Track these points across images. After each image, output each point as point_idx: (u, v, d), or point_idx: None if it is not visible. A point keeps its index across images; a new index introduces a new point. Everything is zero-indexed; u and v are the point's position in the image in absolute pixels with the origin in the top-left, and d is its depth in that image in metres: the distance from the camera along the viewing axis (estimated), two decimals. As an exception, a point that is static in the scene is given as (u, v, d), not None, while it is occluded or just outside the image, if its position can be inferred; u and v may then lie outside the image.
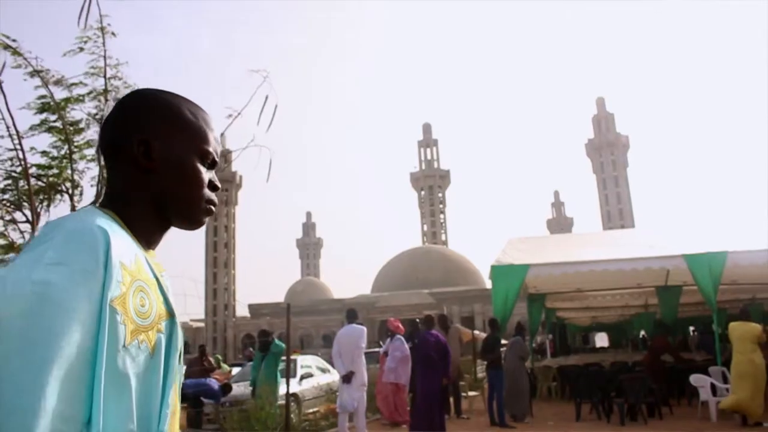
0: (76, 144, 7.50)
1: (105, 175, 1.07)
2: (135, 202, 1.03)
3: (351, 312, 10.19)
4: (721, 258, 10.73)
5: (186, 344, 14.46)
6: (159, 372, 0.97)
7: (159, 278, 1.02)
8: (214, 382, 12.61)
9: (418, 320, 13.64)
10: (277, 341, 11.51)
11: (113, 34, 7.33)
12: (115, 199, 1.03)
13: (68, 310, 0.81)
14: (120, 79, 7.51)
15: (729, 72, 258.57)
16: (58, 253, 0.84)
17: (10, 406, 0.75)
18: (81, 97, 7.40)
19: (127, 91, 7.63)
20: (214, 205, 1.11)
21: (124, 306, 0.89)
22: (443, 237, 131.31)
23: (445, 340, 10.42)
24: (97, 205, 1.03)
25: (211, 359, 14.72)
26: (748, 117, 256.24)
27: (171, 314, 1.03)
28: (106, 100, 7.46)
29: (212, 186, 1.11)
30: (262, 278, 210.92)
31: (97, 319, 0.84)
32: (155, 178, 1.04)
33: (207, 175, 1.10)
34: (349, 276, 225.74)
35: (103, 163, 0.94)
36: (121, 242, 0.93)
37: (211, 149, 1.10)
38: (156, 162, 1.04)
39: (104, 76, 7.34)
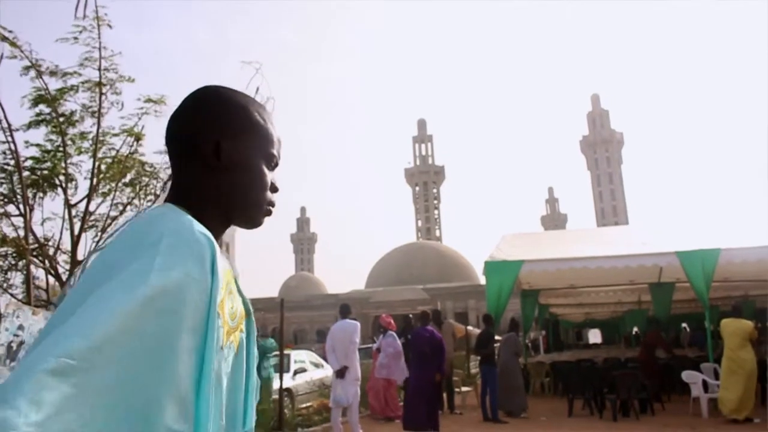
0: (69, 136, 7.47)
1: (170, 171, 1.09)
2: (204, 200, 1.04)
3: (344, 307, 10.19)
4: (713, 255, 10.77)
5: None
6: (243, 370, 1.01)
7: (236, 278, 1.04)
8: None
9: (411, 316, 13.66)
10: (271, 339, 11.50)
11: (109, 26, 7.31)
12: (185, 196, 1.04)
13: (182, 318, 0.83)
14: (115, 71, 7.49)
15: (721, 69, 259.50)
16: (167, 260, 0.84)
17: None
18: (74, 87, 7.37)
19: (122, 84, 7.64)
20: (273, 206, 1.13)
21: (223, 309, 0.92)
22: (437, 233, 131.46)
23: (440, 336, 10.44)
24: (165, 199, 1.04)
25: None
26: (741, 114, 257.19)
27: (248, 313, 1.07)
28: (101, 92, 7.43)
29: (273, 188, 1.13)
30: (256, 273, 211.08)
31: (205, 324, 0.86)
32: (223, 178, 1.05)
33: (270, 177, 1.11)
34: (343, 271, 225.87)
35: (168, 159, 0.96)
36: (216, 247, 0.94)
37: (275, 152, 1.12)
38: (225, 162, 1.04)
39: (99, 68, 7.31)
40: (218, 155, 1.04)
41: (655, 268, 13.82)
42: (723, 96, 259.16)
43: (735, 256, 10.87)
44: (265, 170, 1.10)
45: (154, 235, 0.87)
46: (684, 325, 27.30)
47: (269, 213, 1.12)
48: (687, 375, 11.07)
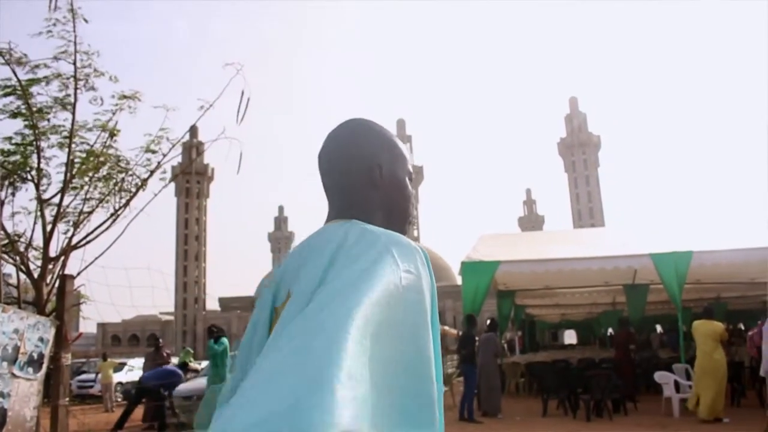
0: (41, 130, 7.36)
1: (336, 189, 1.29)
2: (371, 213, 1.25)
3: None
4: (686, 257, 10.91)
5: (155, 337, 14.17)
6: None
7: None
8: (171, 368, 12.61)
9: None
10: (224, 339, 11.34)
11: (85, 20, 7.22)
12: (356, 212, 1.24)
13: (424, 309, 1.04)
14: (90, 67, 7.40)
15: (695, 76, 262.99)
16: (408, 264, 1.04)
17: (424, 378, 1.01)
18: (45, 79, 7.26)
19: (97, 79, 7.55)
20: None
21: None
22: (416, 233, 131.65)
23: None
24: (333, 214, 1.28)
25: (168, 351, 14.40)
26: (713, 119, 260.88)
27: None
28: (76, 87, 7.33)
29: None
30: (234, 271, 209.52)
31: (431, 310, 1.07)
32: (382, 195, 1.28)
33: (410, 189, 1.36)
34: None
35: (337, 181, 1.20)
36: None
37: (411, 170, 1.36)
38: (384, 181, 1.27)
39: (74, 63, 7.21)
40: (380, 176, 1.27)
41: (630, 270, 13.96)
42: (696, 101, 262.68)
43: (707, 258, 11.01)
44: (409, 184, 1.33)
45: (379, 244, 1.05)
46: (658, 326, 27.63)
47: (412, 222, 1.37)
48: (659, 375, 11.20)
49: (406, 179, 1.33)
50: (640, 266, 12.40)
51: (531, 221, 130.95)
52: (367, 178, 1.26)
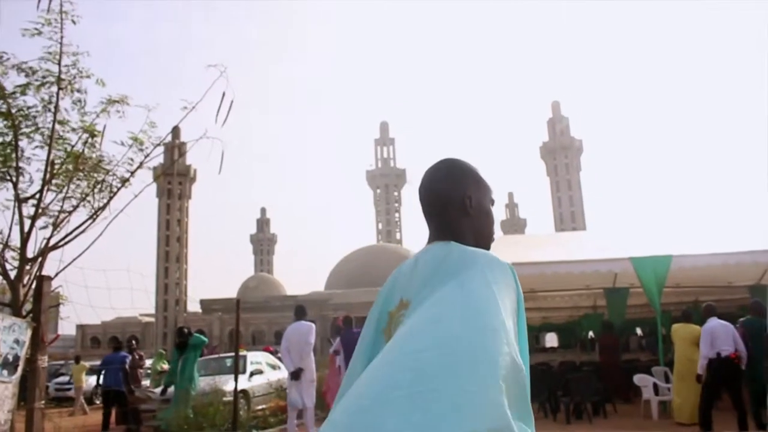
0: (23, 130, 7.28)
1: (436, 219, 1.61)
2: (464, 236, 1.55)
3: (299, 309, 10.16)
4: (665, 261, 11.00)
5: (135, 339, 14.04)
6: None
7: None
8: (119, 357, 12.56)
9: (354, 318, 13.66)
10: (197, 335, 11.23)
11: (73, 21, 7.16)
12: (452, 235, 1.55)
13: (510, 310, 1.32)
14: (75, 68, 7.34)
15: (676, 81, 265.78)
16: (497, 276, 1.35)
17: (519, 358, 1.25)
18: (35, 84, 7.20)
19: (83, 80, 7.48)
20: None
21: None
22: (398, 236, 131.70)
23: None
24: (435, 236, 1.58)
25: (142, 353, 14.22)
26: (693, 125, 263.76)
27: None
28: (60, 87, 7.26)
29: None
30: (215, 273, 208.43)
31: (518, 310, 1.36)
32: (472, 221, 1.58)
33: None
34: (302, 273, 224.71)
35: (435, 210, 1.63)
36: None
37: (494, 198, 1.67)
38: (473, 210, 1.58)
39: (59, 63, 7.15)
40: (470, 206, 1.58)
41: (610, 274, 14.04)
42: (676, 106, 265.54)
43: (686, 262, 11.11)
44: (492, 211, 1.65)
45: (476, 263, 1.38)
46: (638, 329, 27.81)
47: (493, 241, 1.65)
48: (638, 378, 11.29)
49: (490, 207, 1.64)
50: (621, 270, 12.48)
51: (513, 224, 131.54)
52: (460, 208, 1.57)
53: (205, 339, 11.26)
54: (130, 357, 13.01)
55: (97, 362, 21.39)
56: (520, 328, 1.34)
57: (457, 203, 1.57)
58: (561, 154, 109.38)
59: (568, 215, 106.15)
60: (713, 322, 9.11)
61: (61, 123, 7.42)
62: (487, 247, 1.57)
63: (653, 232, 14.79)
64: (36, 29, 6.99)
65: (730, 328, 9.03)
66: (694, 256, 11.11)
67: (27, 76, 7.16)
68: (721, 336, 8.86)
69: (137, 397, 12.49)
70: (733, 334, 8.94)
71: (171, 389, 11.06)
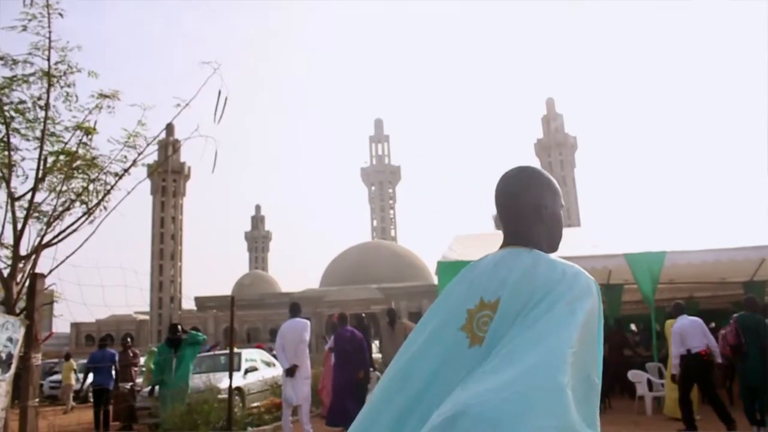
0: (15, 127, 7.24)
1: (505, 222, 1.75)
2: (538, 241, 1.68)
3: (294, 306, 10.16)
4: (659, 258, 11.03)
5: (130, 337, 14.00)
6: None
7: None
8: (107, 355, 12.55)
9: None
10: (194, 332, 11.13)
11: (60, 15, 7.11)
12: (528, 240, 1.67)
13: (599, 318, 1.50)
14: (65, 63, 7.29)
15: (670, 77, 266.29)
16: (594, 288, 1.53)
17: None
18: (25, 78, 7.15)
19: (72, 76, 7.43)
20: None
21: None
22: (393, 232, 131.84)
23: (361, 335, 10.77)
24: (508, 240, 1.70)
25: (137, 351, 14.05)
26: (687, 121, 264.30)
27: None
28: (49, 84, 7.22)
29: None
30: (210, 271, 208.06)
31: (598, 323, 1.49)
32: (547, 228, 1.71)
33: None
34: (297, 270, 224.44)
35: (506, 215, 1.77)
36: None
37: (563, 204, 1.79)
38: (548, 218, 1.71)
39: (48, 59, 7.11)
40: (546, 213, 1.70)
41: (605, 270, 14.06)
42: (670, 103, 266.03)
43: (680, 258, 11.14)
44: (562, 216, 1.76)
45: (570, 276, 1.53)
46: (632, 326, 27.91)
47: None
48: (632, 374, 11.33)
49: (561, 213, 1.76)
50: (615, 266, 12.50)
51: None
52: (536, 215, 1.69)
53: (204, 336, 11.17)
54: (117, 354, 12.99)
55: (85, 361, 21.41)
56: (599, 334, 1.48)
57: (534, 211, 1.70)
58: (555, 151, 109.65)
59: (563, 212, 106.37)
60: (683, 320, 9.29)
61: (52, 121, 7.38)
62: (556, 250, 1.73)
63: (647, 228, 14.82)
64: (22, 25, 6.94)
65: (699, 323, 9.18)
66: (688, 253, 11.15)
67: (12, 68, 7.10)
68: (690, 333, 9.04)
69: (121, 394, 12.48)
70: (702, 330, 9.10)
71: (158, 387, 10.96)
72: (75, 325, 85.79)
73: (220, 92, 7.30)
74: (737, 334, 8.95)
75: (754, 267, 12.38)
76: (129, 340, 14.13)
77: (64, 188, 7.59)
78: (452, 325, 1.58)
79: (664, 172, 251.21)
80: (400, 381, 1.58)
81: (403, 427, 1.50)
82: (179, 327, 11.23)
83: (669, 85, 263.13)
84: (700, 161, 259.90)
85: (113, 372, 12.60)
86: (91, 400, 19.46)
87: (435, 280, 12.52)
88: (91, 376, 13.71)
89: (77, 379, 17.61)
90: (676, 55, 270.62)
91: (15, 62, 7.10)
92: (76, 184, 7.72)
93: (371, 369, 13.00)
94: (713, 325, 15.40)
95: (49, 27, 7.02)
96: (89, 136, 7.62)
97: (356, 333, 10.65)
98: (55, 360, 27.57)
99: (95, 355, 13.12)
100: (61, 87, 7.34)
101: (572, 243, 14.56)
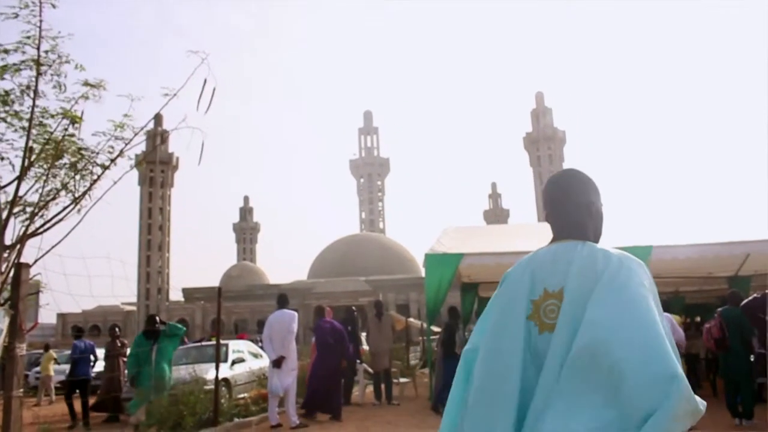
0: (1, 115, 7.16)
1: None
2: (588, 236, 1.91)
3: (282, 297, 10.17)
4: (645, 252, 11.08)
5: (117, 328, 13.94)
6: None
7: None
8: (85, 347, 12.58)
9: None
10: (174, 323, 10.98)
11: (53, 5, 7.05)
12: (579, 234, 1.89)
13: (657, 301, 1.69)
14: (55, 52, 7.22)
15: (658, 70, 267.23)
16: (647, 274, 1.74)
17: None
18: (17, 66, 7.08)
19: (63, 66, 7.36)
20: None
21: None
22: (381, 225, 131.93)
23: (341, 326, 10.99)
24: (562, 234, 1.93)
25: (125, 341, 13.96)
26: (674, 116, 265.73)
27: None
28: (38, 73, 7.15)
29: None
30: (198, 262, 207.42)
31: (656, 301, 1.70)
32: (593, 222, 1.95)
33: None
34: (285, 262, 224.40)
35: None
36: None
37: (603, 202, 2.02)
38: (595, 213, 1.96)
39: (38, 48, 7.04)
40: (592, 210, 1.95)
41: (591, 264, 14.16)
42: (657, 98, 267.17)
43: (666, 253, 11.20)
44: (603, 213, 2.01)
45: (630, 262, 1.74)
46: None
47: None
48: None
49: (602, 209, 2.00)
50: (602, 260, 12.59)
51: (496, 215, 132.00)
52: (585, 212, 1.93)
53: (183, 328, 11.03)
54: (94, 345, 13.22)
55: (68, 352, 21.35)
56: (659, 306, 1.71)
57: (583, 208, 1.94)
58: (544, 145, 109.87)
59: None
60: None
61: (43, 110, 7.32)
62: (598, 241, 1.93)
63: (634, 223, 14.90)
64: (14, 13, 6.88)
65: (669, 318, 9.24)
66: (674, 248, 11.21)
67: (3, 58, 7.03)
68: None
69: (108, 384, 12.47)
70: (671, 323, 9.19)
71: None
72: (61, 316, 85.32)
73: (206, 81, 7.26)
74: (721, 328, 9.04)
75: (739, 262, 12.48)
76: (117, 329, 14.05)
77: (50, 177, 7.53)
78: (518, 316, 1.78)
79: (650, 168, 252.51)
80: (495, 378, 1.75)
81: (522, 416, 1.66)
82: (157, 318, 10.98)
83: (657, 80, 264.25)
84: (686, 156, 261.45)
85: (92, 363, 12.74)
86: (76, 391, 19.48)
87: (423, 272, 12.52)
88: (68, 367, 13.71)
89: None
90: (664, 49, 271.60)
91: (6, 51, 7.03)
92: (63, 173, 7.66)
93: (358, 361, 13.06)
94: (698, 319, 15.54)
95: (40, 15, 6.96)
96: (75, 125, 7.56)
97: (336, 324, 10.84)
98: (41, 351, 27.37)
99: (79, 345, 13.03)
100: (51, 76, 7.28)
101: (559, 237, 14.63)
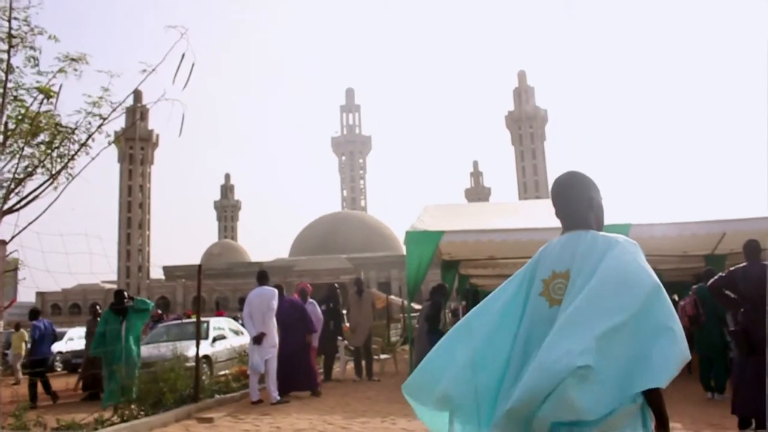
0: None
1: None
2: (590, 225, 2.28)
3: (262, 274, 10.17)
4: (624, 230, 11.14)
5: (98, 306, 13.86)
6: None
7: None
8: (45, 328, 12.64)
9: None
10: (141, 298, 10.89)
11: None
12: (584, 225, 2.28)
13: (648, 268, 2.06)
14: (27, 24, 7.09)
15: (640, 50, 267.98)
16: (636, 249, 2.14)
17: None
18: None
19: (34, 37, 7.23)
20: None
21: None
22: (363, 203, 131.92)
23: (301, 302, 11.15)
24: (569, 225, 2.32)
25: None
26: (655, 96, 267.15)
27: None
28: (11, 45, 7.02)
29: None
30: (179, 240, 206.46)
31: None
32: (594, 214, 2.32)
33: None
34: (267, 240, 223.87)
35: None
36: None
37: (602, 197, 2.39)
38: (596, 206, 2.33)
39: (8, 20, 6.90)
40: (593, 204, 2.32)
41: (571, 242, 14.26)
42: (639, 77, 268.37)
43: (644, 231, 11.28)
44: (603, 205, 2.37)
45: (621, 242, 2.16)
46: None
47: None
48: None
49: (602, 202, 2.35)
50: (581, 238, 12.68)
51: (477, 193, 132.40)
52: (588, 205, 2.31)
53: (152, 303, 10.95)
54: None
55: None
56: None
57: (585, 202, 2.30)
58: (526, 124, 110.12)
59: (532, 184, 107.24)
60: None
61: (16, 84, 7.19)
62: (601, 229, 2.29)
63: (612, 200, 14.99)
64: None
65: None
66: (652, 226, 11.32)
67: None
68: None
69: (89, 362, 12.41)
70: None
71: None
72: (40, 294, 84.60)
73: (184, 55, 7.15)
74: (695, 305, 9.19)
75: (715, 241, 12.63)
76: (98, 307, 13.96)
77: (26, 153, 7.42)
78: (534, 293, 2.23)
79: (630, 146, 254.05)
80: (500, 337, 2.22)
81: (514, 370, 2.13)
82: (125, 294, 10.76)
83: (637, 58, 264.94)
84: (666, 135, 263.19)
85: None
86: (59, 369, 19.37)
87: (404, 250, 12.54)
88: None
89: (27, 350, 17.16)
90: (643, 27, 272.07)
91: None
92: (38, 150, 7.55)
93: (338, 338, 13.12)
94: (676, 297, 15.77)
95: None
96: (50, 99, 7.45)
97: (295, 301, 10.95)
98: (12, 330, 27.10)
99: (38, 325, 12.81)
100: (24, 48, 7.15)
101: (541, 214, 14.71)
